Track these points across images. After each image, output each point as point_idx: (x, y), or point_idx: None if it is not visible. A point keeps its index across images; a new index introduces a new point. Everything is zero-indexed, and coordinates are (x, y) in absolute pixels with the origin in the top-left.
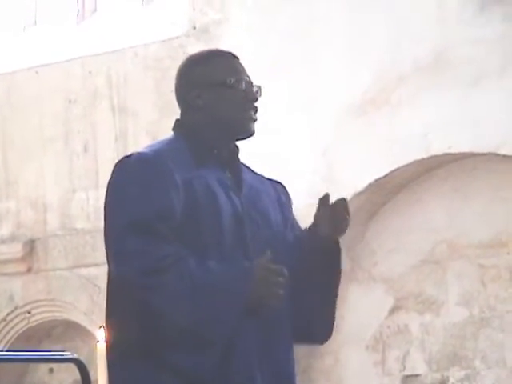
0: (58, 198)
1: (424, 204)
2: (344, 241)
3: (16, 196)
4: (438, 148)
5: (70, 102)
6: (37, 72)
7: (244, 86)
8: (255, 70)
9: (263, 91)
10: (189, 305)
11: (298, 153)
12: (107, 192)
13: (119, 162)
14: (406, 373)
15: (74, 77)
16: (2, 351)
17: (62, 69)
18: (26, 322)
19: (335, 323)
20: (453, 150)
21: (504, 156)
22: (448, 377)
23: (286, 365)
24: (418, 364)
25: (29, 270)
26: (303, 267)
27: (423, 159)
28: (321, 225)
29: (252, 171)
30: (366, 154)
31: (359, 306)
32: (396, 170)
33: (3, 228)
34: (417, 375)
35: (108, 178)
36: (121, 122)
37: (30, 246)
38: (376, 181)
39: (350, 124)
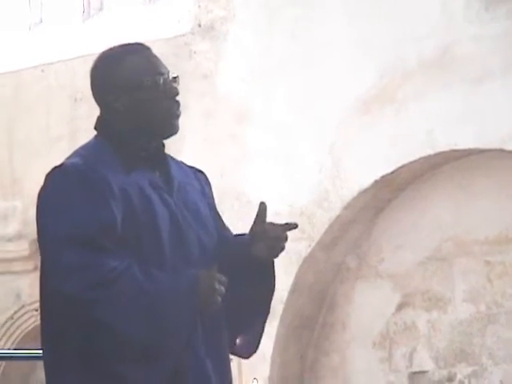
0: None
1: (430, 201)
2: (351, 238)
3: (22, 194)
4: (443, 144)
5: (75, 100)
6: (43, 70)
7: (162, 82)
8: (260, 66)
9: (268, 88)
10: (139, 317)
11: (303, 150)
12: (39, 205)
13: (50, 173)
14: (413, 369)
15: (80, 75)
16: (9, 349)
17: (68, 67)
18: (33, 319)
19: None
20: (459, 147)
21: (510, 152)
22: (455, 373)
23: (229, 366)
24: (424, 361)
25: (36, 267)
26: (233, 278)
27: (429, 156)
28: (255, 243)
29: (176, 162)
30: (371, 151)
31: (366, 303)
32: (402, 166)
33: (10, 226)
34: (424, 372)
35: None
36: None
37: (37, 244)
38: (382, 177)
39: (355, 121)
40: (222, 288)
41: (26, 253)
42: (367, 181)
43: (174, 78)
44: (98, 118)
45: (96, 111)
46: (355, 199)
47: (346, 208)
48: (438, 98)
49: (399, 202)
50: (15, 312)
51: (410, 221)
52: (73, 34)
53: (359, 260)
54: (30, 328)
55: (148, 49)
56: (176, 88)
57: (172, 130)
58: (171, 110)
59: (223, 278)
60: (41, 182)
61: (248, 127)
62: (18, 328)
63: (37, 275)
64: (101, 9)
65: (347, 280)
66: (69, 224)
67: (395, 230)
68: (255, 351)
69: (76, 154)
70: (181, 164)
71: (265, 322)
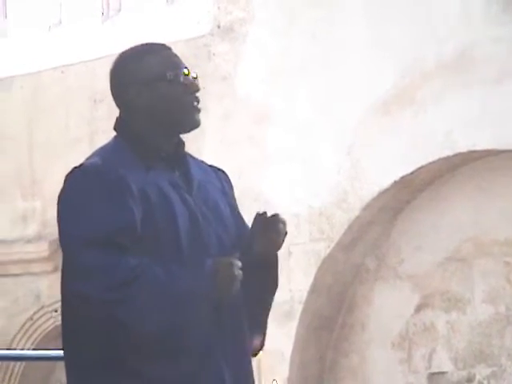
0: None
1: (449, 201)
2: (370, 239)
3: (42, 195)
4: (462, 145)
5: (95, 101)
6: (62, 72)
7: (182, 78)
8: (279, 68)
9: (288, 89)
10: (160, 315)
11: (322, 151)
12: (59, 206)
13: (70, 173)
14: (432, 370)
15: (100, 76)
16: (28, 350)
17: (88, 68)
18: (52, 320)
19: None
20: (477, 148)
21: None
22: (474, 374)
23: (248, 365)
24: (444, 362)
25: (55, 268)
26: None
27: (448, 157)
28: (255, 239)
29: (195, 161)
30: (390, 152)
31: (385, 304)
32: (421, 167)
33: (29, 227)
34: (443, 373)
35: None
36: None
37: (56, 245)
38: (401, 178)
39: (374, 122)
40: (241, 273)
41: (46, 254)
42: (386, 182)
43: (194, 77)
44: (117, 119)
45: (116, 112)
46: (374, 200)
47: (365, 209)
48: (456, 100)
49: (418, 203)
50: (35, 313)
51: (429, 222)
52: (92, 35)
53: (378, 261)
54: (49, 329)
55: (169, 48)
56: (196, 84)
57: (193, 123)
58: (192, 104)
59: (240, 264)
60: (60, 183)
61: (267, 128)
62: (37, 329)
63: (56, 276)
64: (119, 10)
65: (366, 281)
66: (88, 225)
67: (414, 231)
68: (262, 348)
69: (95, 154)
70: (201, 163)
71: (266, 317)
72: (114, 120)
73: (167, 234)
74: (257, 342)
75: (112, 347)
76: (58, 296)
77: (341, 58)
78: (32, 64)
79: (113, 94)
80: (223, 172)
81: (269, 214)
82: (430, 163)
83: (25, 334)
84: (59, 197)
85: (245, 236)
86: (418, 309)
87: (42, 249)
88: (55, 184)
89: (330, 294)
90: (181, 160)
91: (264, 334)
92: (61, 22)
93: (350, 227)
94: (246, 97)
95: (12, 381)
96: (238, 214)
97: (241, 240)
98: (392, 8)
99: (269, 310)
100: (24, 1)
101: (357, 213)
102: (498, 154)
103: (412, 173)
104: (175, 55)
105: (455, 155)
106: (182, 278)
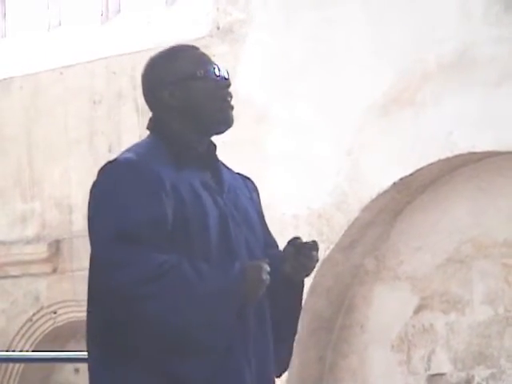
0: (82, 198)
1: (449, 203)
2: (369, 240)
3: (41, 197)
4: (462, 147)
5: (94, 102)
6: (61, 73)
7: (213, 74)
8: (279, 69)
9: (287, 91)
10: (186, 312)
11: (322, 153)
12: (91, 199)
13: (103, 167)
14: (432, 372)
15: (99, 77)
16: (27, 351)
17: (87, 69)
18: (51, 322)
19: (362, 323)
20: (477, 149)
21: None
22: (473, 376)
23: (270, 364)
24: (443, 363)
25: (54, 270)
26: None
27: (448, 158)
28: (286, 262)
29: (226, 167)
30: (390, 153)
31: (384, 306)
32: (421, 169)
33: (28, 229)
34: (442, 374)
35: None
36: (145, 123)
37: (56, 246)
38: (401, 180)
39: (374, 123)
40: (268, 277)
41: (45, 255)
42: (386, 183)
43: (225, 71)
44: (151, 120)
45: (114, 113)
46: (374, 201)
47: (364, 210)
48: (456, 101)
49: (418, 205)
50: (34, 314)
51: (428, 223)
52: (91, 36)
53: (378, 262)
54: (48, 330)
55: (197, 48)
56: (228, 79)
57: (226, 121)
58: (224, 99)
59: (268, 268)
60: (59, 184)
61: (267, 130)
62: (36, 330)
63: (55, 277)
64: (119, 11)
65: (366, 282)
66: (119, 219)
67: (414, 233)
68: (284, 370)
69: (129, 150)
70: (230, 169)
71: (293, 339)
72: (112, 121)
73: (197, 231)
74: (282, 363)
75: (137, 342)
76: (57, 297)
77: (340, 60)
78: (31, 65)
79: (145, 97)
80: (251, 180)
81: (306, 240)
82: (430, 164)
83: (24, 335)
84: (91, 190)
85: (270, 245)
86: (418, 310)
87: (41, 250)
88: (54, 185)
89: (330, 295)
90: (212, 161)
91: (290, 355)
92: (60, 23)
93: (349, 229)
94: (245, 98)
95: (11, 382)
96: (264, 222)
97: (266, 248)
98: (392, 9)
99: (294, 334)
100: (23, 1)
101: (356, 214)
102: (498, 156)
103: (411, 174)
104: (204, 54)
105: (455, 156)
106: (210, 277)
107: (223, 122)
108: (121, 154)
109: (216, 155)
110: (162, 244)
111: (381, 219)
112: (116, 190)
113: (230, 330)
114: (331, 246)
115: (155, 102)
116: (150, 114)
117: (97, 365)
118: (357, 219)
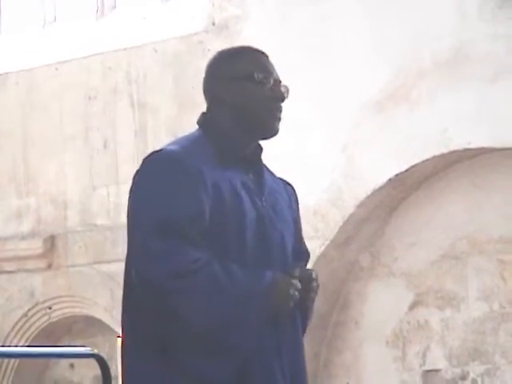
0: (78, 194)
1: (444, 199)
2: (364, 236)
3: (36, 192)
4: (457, 143)
5: (89, 98)
6: (57, 69)
7: (272, 83)
8: (274, 66)
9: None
10: (213, 312)
11: (317, 149)
12: (134, 188)
13: (148, 157)
14: (427, 368)
15: (94, 73)
16: (23, 347)
17: (82, 65)
18: (46, 317)
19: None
20: (472, 146)
21: None
22: (468, 372)
23: (303, 367)
24: (438, 359)
25: (49, 266)
26: None
27: (443, 154)
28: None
29: (269, 170)
30: (385, 150)
31: (379, 302)
32: (416, 165)
33: (24, 224)
34: (437, 370)
35: (128, 175)
36: (140, 118)
37: (51, 242)
38: (396, 176)
39: (369, 120)
40: (297, 294)
41: (40, 251)
42: (381, 179)
43: (285, 86)
44: (202, 114)
45: (109, 108)
46: (369, 198)
47: (359, 207)
48: (452, 97)
49: (413, 201)
50: (29, 310)
51: (423, 219)
52: (86, 32)
53: (372, 258)
54: (43, 326)
55: (266, 55)
56: (283, 92)
57: (271, 130)
58: (274, 111)
59: (298, 285)
60: (55, 179)
61: None
62: (31, 326)
63: (50, 273)
64: (114, 7)
65: (360, 279)
66: (158, 211)
67: (409, 229)
68: None
69: (176, 142)
70: (273, 173)
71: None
72: (107, 117)
73: (233, 230)
74: None
75: (164, 335)
76: (52, 293)
77: (336, 56)
78: (26, 61)
79: (204, 89)
80: (291, 186)
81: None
82: (425, 161)
83: (19, 330)
84: (134, 177)
85: (299, 253)
86: (412, 306)
87: (37, 246)
88: (50, 181)
89: (325, 291)
90: (256, 164)
91: None
92: (55, 19)
93: (344, 225)
94: None
95: (6, 378)
96: (299, 229)
97: (295, 255)
98: (388, 6)
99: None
100: None
101: (351, 210)
102: (493, 152)
103: (407, 170)
104: (269, 61)
105: (450, 153)
106: (240, 281)
107: (267, 130)
108: (167, 145)
109: (261, 158)
110: (198, 240)
111: (376, 215)
112: (158, 182)
113: (256, 333)
114: (326, 243)
115: (210, 94)
116: (145, 110)
117: (128, 351)
118: (352, 215)
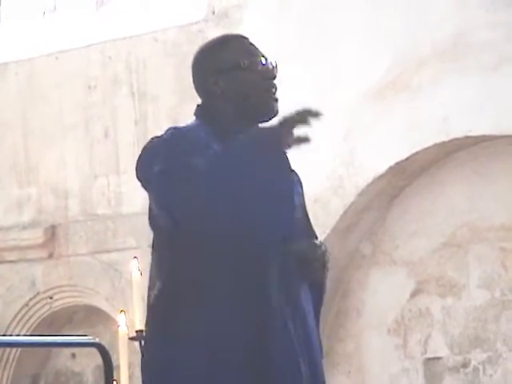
0: (78, 183)
1: (445, 187)
2: (365, 225)
3: (37, 182)
4: (458, 131)
5: (89, 87)
6: (57, 58)
7: (259, 64)
8: (274, 54)
9: (283, 76)
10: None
11: (318, 137)
12: (142, 151)
13: (149, 141)
14: (428, 356)
15: (94, 62)
16: (24, 336)
17: (82, 55)
18: (47, 307)
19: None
20: (473, 133)
21: None
22: (470, 359)
23: (318, 352)
24: (439, 347)
25: (50, 255)
26: None
27: (444, 142)
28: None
29: None
30: (386, 138)
31: (380, 290)
32: (417, 153)
33: (24, 214)
34: (438, 358)
35: (129, 164)
36: (141, 108)
37: (51, 231)
38: (397, 164)
39: (370, 108)
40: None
41: (41, 240)
42: (382, 167)
43: (274, 62)
44: (197, 106)
45: (109, 98)
46: (370, 186)
47: (360, 195)
48: (452, 85)
49: (414, 189)
50: (30, 299)
51: (424, 207)
52: (86, 21)
53: (374, 247)
54: (44, 315)
55: (245, 38)
56: (273, 71)
57: (270, 112)
58: (268, 92)
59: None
60: (55, 169)
61: None
62: (33, 315)
63: (51, 263)
64: None
65: (362, 267)
66: (162, 160)
67: (410, 217)
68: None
69: (172, 127)
70: None
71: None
72: (107, 106)
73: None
74: None
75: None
76: (53, 283)
77: (336, 44)
78: (26, 50)
79: (194, 83)
80: (295, 173)
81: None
82: (426, 149)
83: (20, 320)
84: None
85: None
86: (414, 294)
87: (37, 236)
88: (50, 170)
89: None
90: None
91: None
92: (55, 8)
93: (345, 213)
94: None
95: (8, 367)
96: (307, 214)
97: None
98: None
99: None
100: None
101: (352, 199)
102: (494, 140)
103: (407, 158)
104: (251, 44)
105: (451, 141)
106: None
107: (265, 113)
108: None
109: None
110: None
111: (377, 203)
112: (166, 144)
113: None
114: (327, 231)
115: (201, 89)
116: (145, 99)
117: (161, 296)
118: (353, 204)
